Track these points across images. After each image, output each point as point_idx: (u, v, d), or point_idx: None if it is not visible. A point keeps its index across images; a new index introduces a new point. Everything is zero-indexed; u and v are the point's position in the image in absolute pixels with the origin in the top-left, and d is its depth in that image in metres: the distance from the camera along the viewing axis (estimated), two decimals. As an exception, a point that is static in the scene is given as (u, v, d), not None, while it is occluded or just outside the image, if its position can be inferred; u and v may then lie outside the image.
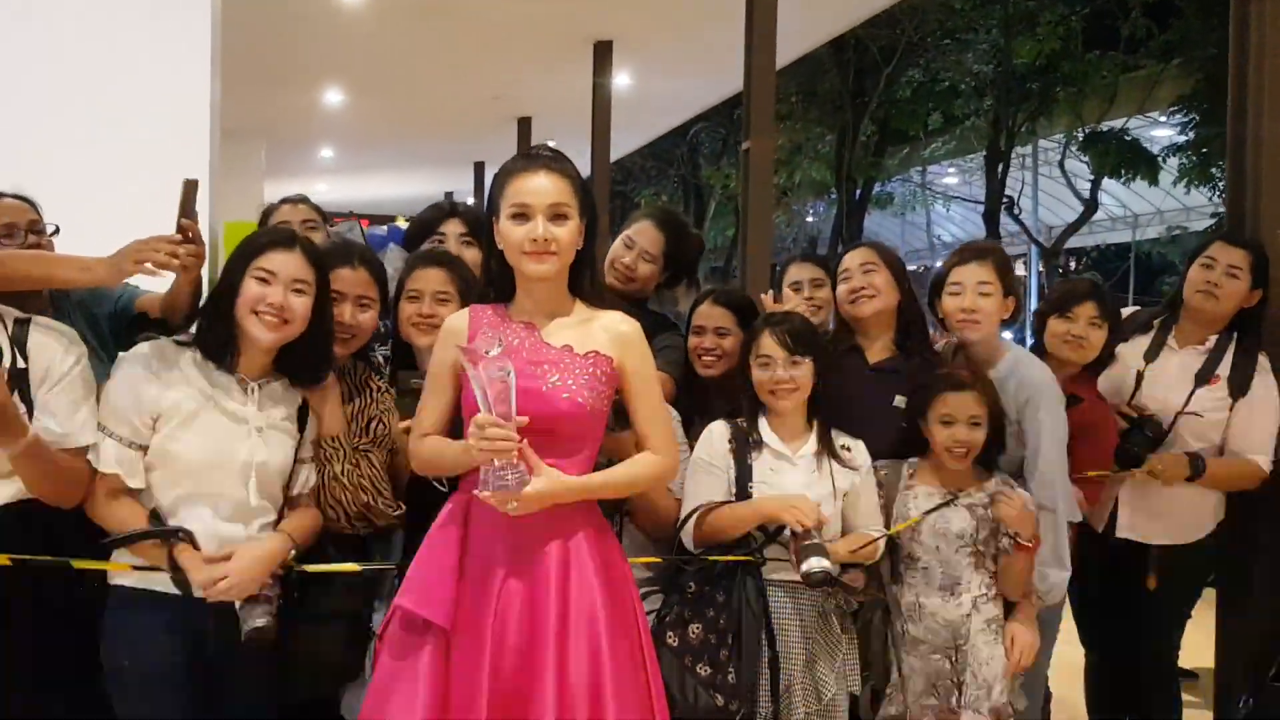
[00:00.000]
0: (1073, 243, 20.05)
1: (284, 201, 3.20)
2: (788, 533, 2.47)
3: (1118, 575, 3.24)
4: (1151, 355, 3.24)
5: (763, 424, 2.69)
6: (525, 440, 2.01)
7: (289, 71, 10.17)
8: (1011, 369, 2.89)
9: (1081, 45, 15.08)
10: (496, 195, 2.18)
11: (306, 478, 2.38)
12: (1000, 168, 16.49)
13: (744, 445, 2.65)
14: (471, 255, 2.98)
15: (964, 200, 21.63)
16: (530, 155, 2.19)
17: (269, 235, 2.31)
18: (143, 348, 2.27)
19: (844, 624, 2.68)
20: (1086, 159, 16.70)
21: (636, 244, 3.21)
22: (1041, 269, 20.18)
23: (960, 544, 2.74)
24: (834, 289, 3.05)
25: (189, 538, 2.16)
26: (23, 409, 2.14)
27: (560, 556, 2.09)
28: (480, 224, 3.04)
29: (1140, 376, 3.21)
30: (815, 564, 2.38)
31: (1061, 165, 17.14)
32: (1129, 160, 15.91)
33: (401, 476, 2.51)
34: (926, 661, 2.73)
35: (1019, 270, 26.21)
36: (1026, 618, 2.78)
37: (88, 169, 3.99)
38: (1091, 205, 16.61)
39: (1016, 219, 18.10)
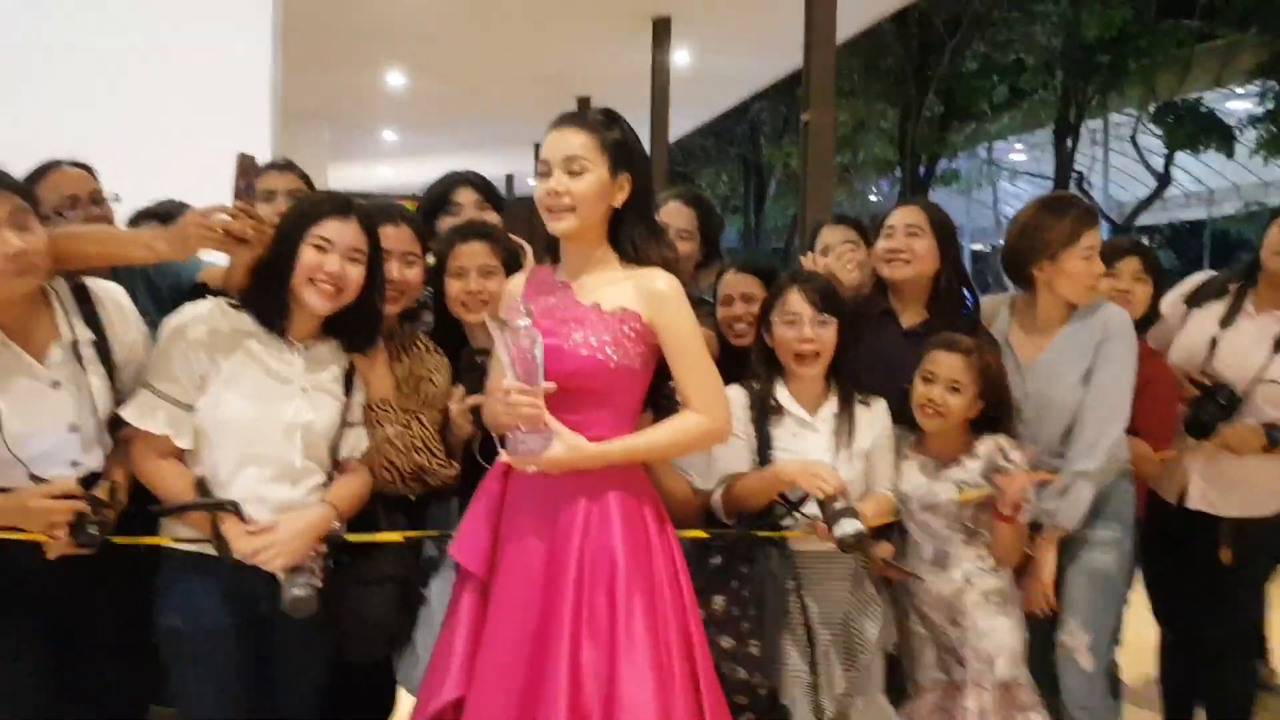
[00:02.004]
0: (1145, 219, 19.60)
1: (271, 167, 3.11)
2: (813, 501, 2.41)
3: (1190, 548, 3.13)
4: (1227, 321, 3.11)
5: (780, 389, 2.62)
6: (546, 403, 2.03)
7: (351, 54, 10.27)
8: (1094, 310, 2.79)
9: (1155, 14, 14.67)
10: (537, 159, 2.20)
11: (355, 442, 2.38)
12: (1069, 143, 16.13)
13: (763, 412, 2.59)
14: (490, 220, 2.97)
15: (1031, 176, 21.23)
16: (562, 114, 2.18)
17: (327, 202, 2.28)
18: (191, 308, 2.27)
19: (875, 584, 2.63)
20: (1160, 133, 16.27)
21: (671, 225, 3.15)
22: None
23: (949, 517, 2.67)
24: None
25: (236, 509, 2.17)
26: (99, 382, 2.17)
27: (585, 518, 2.10)
28: (492, 188, 3.04)
29: (1214, 343, 3.09)
30: (848, 526, 2.32)
31: (1134, 139, 16.74)
32: (1204, 132, 15.47)
33: (456, 442, 2.51)
34: (932, 634, 2.68)
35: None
36: (1046, 545, 2.70)
37: (151, 152, 4.07)
38: (1164, 179, 16.19)
39: (1087, 195, 17.73)
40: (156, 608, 2.23)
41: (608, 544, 2.08)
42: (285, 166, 3.07)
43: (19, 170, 2.23)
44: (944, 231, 2.91)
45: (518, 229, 2.87)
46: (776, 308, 2.61)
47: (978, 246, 29.49)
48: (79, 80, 4.23)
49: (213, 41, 4.40)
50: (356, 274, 2.24)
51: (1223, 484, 3.08)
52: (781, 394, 2.62)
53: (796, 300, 2.58)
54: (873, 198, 24.24)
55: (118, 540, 2.17)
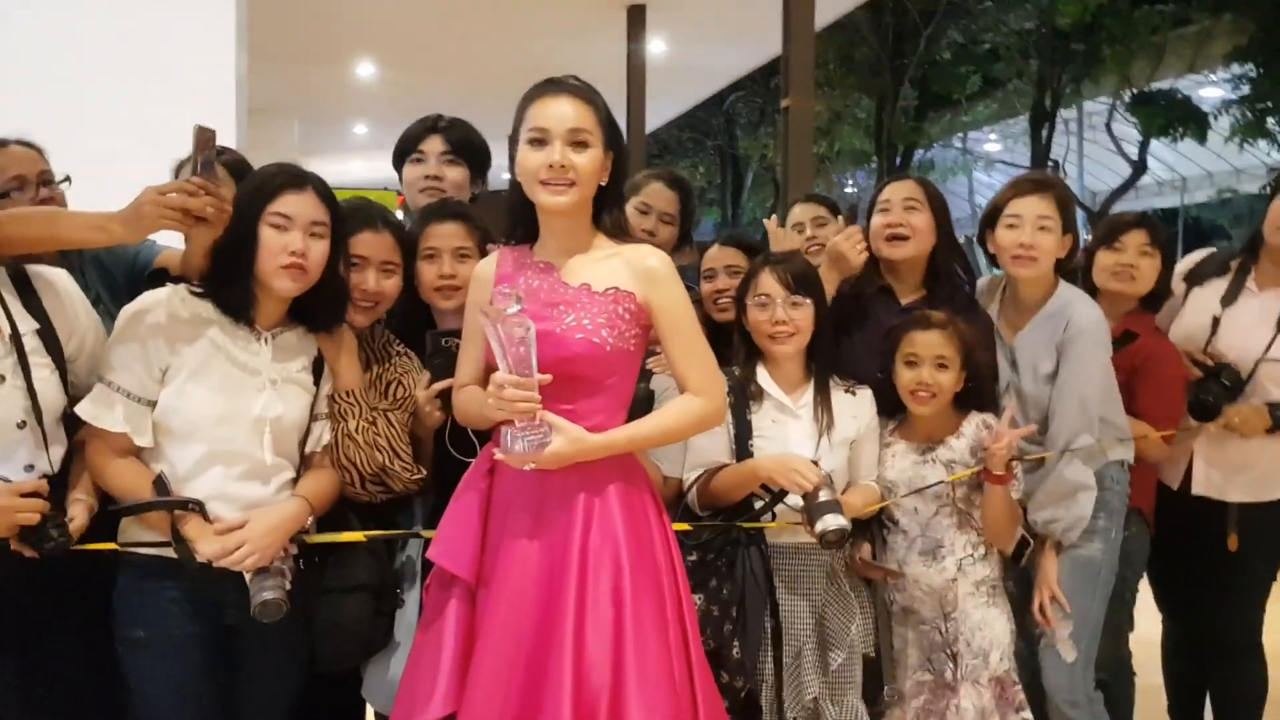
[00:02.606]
0: (1120, 207, 19.64)
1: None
2: (823, 493, 2.30)
3: (1196, 535, 3.03)
4: (1229, 299, 3.01)
5: (761, 373, 2.53)
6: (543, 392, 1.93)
7: (319, 46, 10.12)
8: (1061, 307, 2.70)
9: (1129, 2, 14.67)
10: (517, 123, 2.05)
11: (320, 434, 2.24)
12: (1045, 131, 16.12)
13: (742, 398, 2.48)
14: (455, 175, 2.85)
15: (1006, 165, 21.28)
16: (554, 80, 2.07)
17: (280, 175, 2.14)
18: (149, 295, 2.14)
19: (853, 582, 2.53)
20: (1134, 120, 16.29)
21: (654, 208, 3.12)
22: (1088, 235, 19.77)
23: (940, 504, 2.57)
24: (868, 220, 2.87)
25: (199, 508, 2.03)
26: (47, 374, 2.05)
27: (585, 514, 1.99)
28: (465, 141, 2.90)
29: (1216, 322, 2.99)
30: (831, 522, 2.23)
31: (1109, 127, 16.76)
32: (1178, 119, 15.49)
33: (425, 442, 2.37)
34: (919, 633, 2.58)
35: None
36: (1047, 555, 2.65)
37: (110, 147, 3.90)
38: (1140, 167, 16.22)
39: (1062, 184, 17.78)
40: (117, 617, 2.09)
41: (611, 539, 1.97)
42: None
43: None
44: (939, 206, 2.83)
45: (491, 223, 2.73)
46: (750, 290, 2.52)
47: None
48: (32, 68, 4.08)
49: (174, 31, 4.23)
50: (320, 250, 2.11)
51: (1228, 468, 2.99)
52: (761, 376, 2.52)
53: (769, 281, 2.48)
54: (849, 189, 24.27)
55: (84, 547, 2.04)
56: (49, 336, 2.07)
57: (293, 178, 2.13)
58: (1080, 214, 20.09)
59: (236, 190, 2.18)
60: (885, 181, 2.92)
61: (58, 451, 2.08)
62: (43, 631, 2.10)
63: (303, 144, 13.85)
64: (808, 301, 2.48)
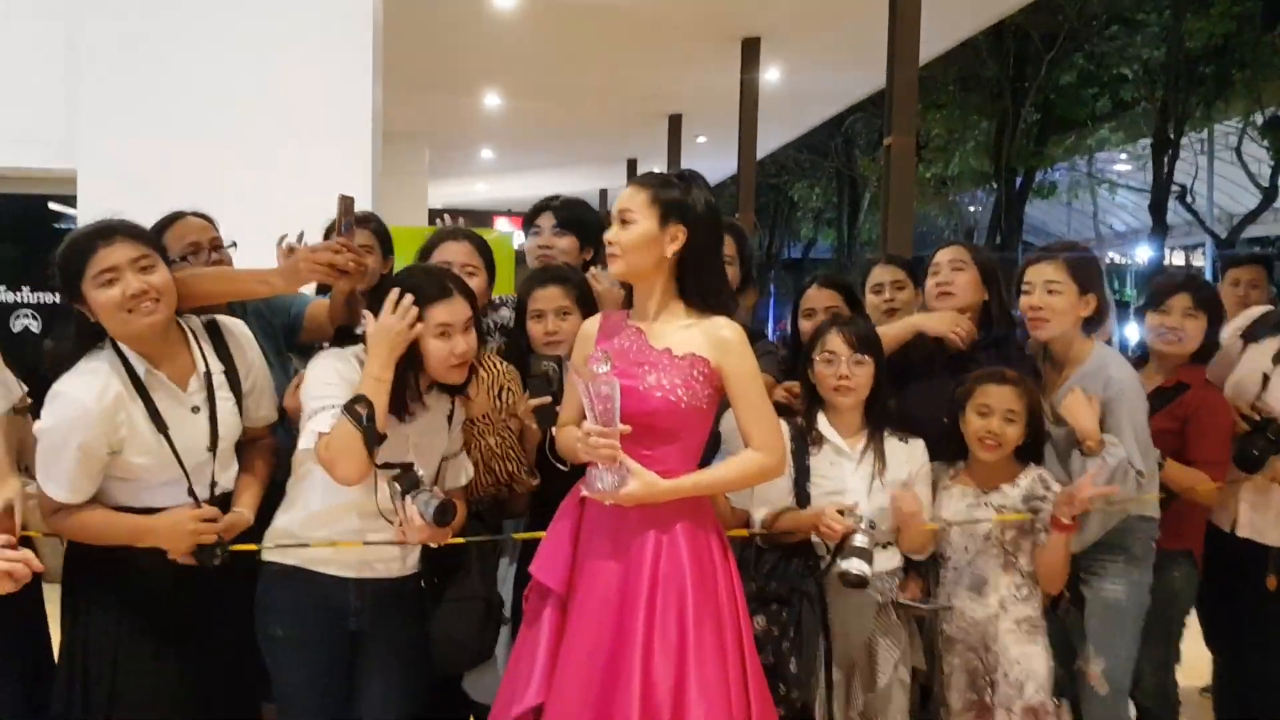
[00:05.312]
0: (1254, 232, 19.01)
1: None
2: (858, 538, 2.55)
3: (1241, 576, 3.20)
4: (1280, 358, 3.18)
5: (822, 420, 2.81)
6: (621, 440, 2.23)
7: (449, 76, 10.65)
8: (1097, 368, 2.90)
9: (1260, 24, 14.31)
10: None
11: (457, 470, 2.58)
12: (1167, 157, 15.76)
13: (802, 444, 2.77)
14: (564, 244, 3.23)
15: (1133, 189, 20.78)
16: (631, 180, 2.42)
17: (434, 287, 2.38)
18: (334, 353, 2.46)
19: (899, 613, 2.78)
20: (1266, 144, 15.83)
21: None
22: (1219, 261, 19.17)
23: (988, 544, 2.79)
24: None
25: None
26: (229, 406, 2.46)
27: (655, 546, 2.28)
28: (574, 217, 3.28)
29: (1266, 379, 3.14)
30: (853, 566, 2.50)
31: (1238, 151, 16.30)
32: (1312, 144, 15.02)
33: (529, 452, 2.75)
34: (964, 659, 2.80)
35: (1195, 261, 24.96)
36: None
37: (256, 173, 4.34)
38: (1271, 193, 15.72)
39: (1189, 208, 17.28)
40: (258, 616, 2.46)
41: (678, 571, 2.26)
42: (364, 220, 3.21)
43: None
44: (986, 267, 3.09)
45: None
46: (818, 347, 2.80)
47: (1081, 257, 28.81)
48: (187, 115, 4.45)
49: (316, 67, 4.58)
50: (473, 341, 2.42)
51: (1271, 513, 3.14)
52: (822, 423, 2.80)
53: (836, 340, 2.77)
54: (973, 208, 23.91)
55: (238, 548, 2.42)
56: (232, 375, 2.49)
57: (443, 288, 2.40)
58: (1208, 240, 19.54)
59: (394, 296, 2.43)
60: (936, 248, 3.19)
61: (232, 472, 2.50)
62: (201, 626, 2.46)
63: (433, 167, 14.46)
64: (869, 360, 2.76)
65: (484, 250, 2.94)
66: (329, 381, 2.35)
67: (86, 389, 2.29)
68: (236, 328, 2.57)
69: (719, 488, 2.41)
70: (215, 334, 2.52)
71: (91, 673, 2.39)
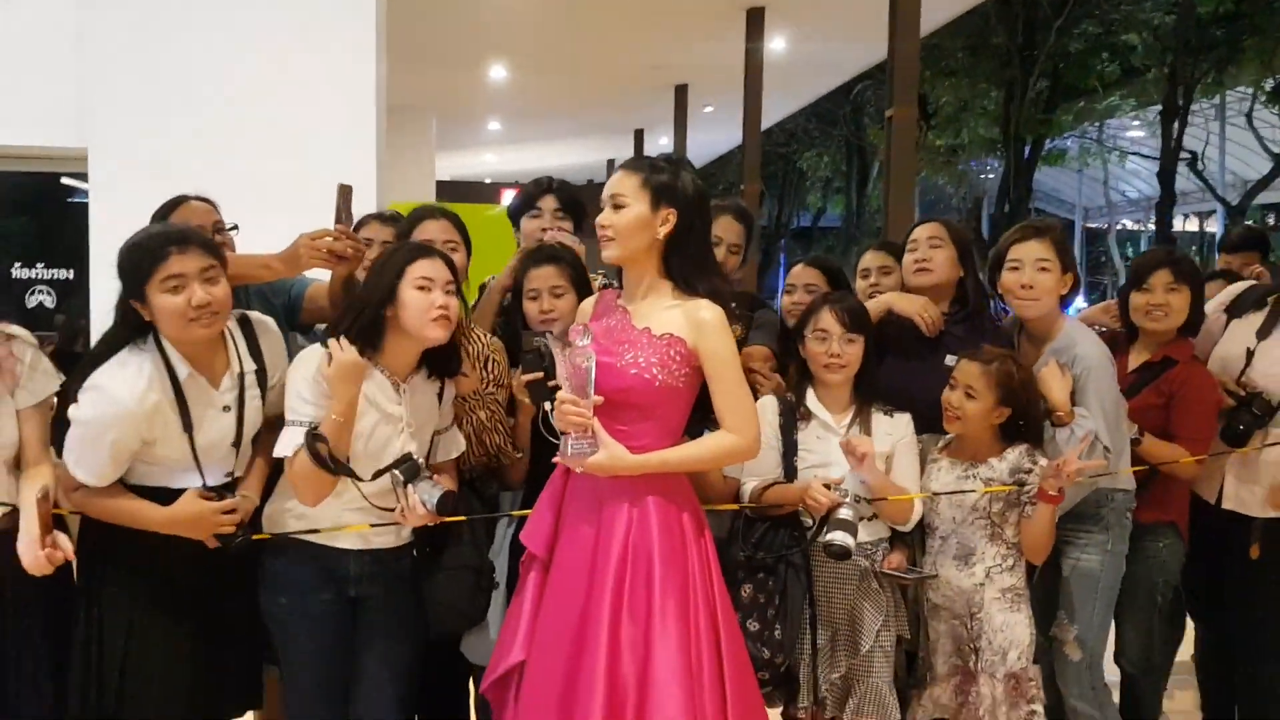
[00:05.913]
0: (1266, 198, 18.95)
1: (375, 217, 3.31)
2: (843, 511, 2.62)
3: (1226, 547, 3.26)
4: (1265, 332, 3.21)
5: (810, 395, 2.89)
6: (598, 413, 2.32)
7: (455, 49, 10.64)
8: (1067, 344, 2.98)
9: (1271, -11, 14.23)
10: None
11: (449, 444, 2.68)
12: (1176, 124, 15.69)
13: (791, 419, 2.86)
14: (565, 227, 3.28)
15: (1144, 156, 20.69)
16: (620, 165, 2.49)
17: (412, 247, 2.55)
18: (318, 355, 2.48)
19: (884, 582, 2.86)
20: (1277, 111, 15.76)
21: (724, 240, 3.40)
22: (1230, 228, 19.09)
23: (975, 515, 2.87)
24: None
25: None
26: (255, 404, 2.52)
27: (628, 517, 2.38)
28: (572, 200, 3.33)
29: (1250, 354, 3.20)
30: (838, 537, 2.57)
31: (1249, 117, 16.22)
32: (1323, 110, 14.94)
33: (523, 427, 2.84)
34: (949, 626, 2.90)
35: (1209, 228, 24.85)
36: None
37: (262, 149, 4.35)
38: (1280, 160, 15.69)
39: (1200, 175, 17.22)
40: (263, 587, 2.55)
41: (646, 544, 2.35)
42: (389, 219, 3.29)
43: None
44: (962, 244, 3.15)
45: None
46: (810, 324, 2.87)
47: (1096, 224, 28.71)
48: (195, 91, 4.44)
49: (320, 38, 4.55)
50: (455, 304, 2.50)
51: (1255, 486, 3.20)
52: (810, 399, 2.88)
53: (828, 318, 2.84)
54: (986, 175, 23.79)
55: (259, 536, 2.52)
56: (262, 374, 2.55)
57: (423, 249, 2.52)
58: (1219, 207, 19.48)
59: (378, 265, 2.54)
60: (914, 224, 3.27)
61: (245, 461, 2.57)
62: (214, 599, 2.54)
63: (440, 140, 14.48)
64: (860, 338, 2.85)
65: (461, 228, 3.04)
66: (305, 398, 2.42)
67: (129, 390, 2.33)
68: (268, 325, 2.63)
69: (688, 466, 2.46)
70: (248, 331, 2.57)
71: (107, 646, 2.47)
